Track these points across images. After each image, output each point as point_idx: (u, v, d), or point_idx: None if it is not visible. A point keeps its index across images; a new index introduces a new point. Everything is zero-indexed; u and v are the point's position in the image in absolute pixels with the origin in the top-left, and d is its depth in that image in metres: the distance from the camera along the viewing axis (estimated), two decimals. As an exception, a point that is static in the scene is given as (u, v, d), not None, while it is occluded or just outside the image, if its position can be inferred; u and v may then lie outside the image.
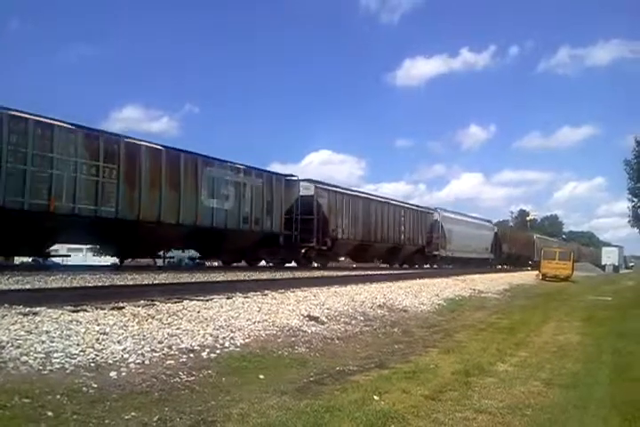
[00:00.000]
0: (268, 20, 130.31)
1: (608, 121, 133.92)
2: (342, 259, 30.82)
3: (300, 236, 21.76)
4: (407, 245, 30.94)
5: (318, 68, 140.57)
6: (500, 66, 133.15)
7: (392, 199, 31.16)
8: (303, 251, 23.16)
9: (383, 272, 23.80)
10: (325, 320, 8.81)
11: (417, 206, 33.88)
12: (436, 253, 33.75)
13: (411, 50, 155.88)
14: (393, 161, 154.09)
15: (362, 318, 9.74)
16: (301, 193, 22.37)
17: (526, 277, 32.74)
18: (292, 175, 22.47)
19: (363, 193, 28.50)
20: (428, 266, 34.08)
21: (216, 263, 23.80)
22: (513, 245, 50.92)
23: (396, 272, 23.98)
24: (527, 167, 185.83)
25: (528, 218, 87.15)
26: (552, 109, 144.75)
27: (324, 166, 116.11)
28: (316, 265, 24.30)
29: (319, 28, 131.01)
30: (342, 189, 26.18)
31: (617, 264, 75.78)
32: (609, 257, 76.45)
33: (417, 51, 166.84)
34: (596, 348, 8.23)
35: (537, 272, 34.56)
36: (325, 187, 24.18)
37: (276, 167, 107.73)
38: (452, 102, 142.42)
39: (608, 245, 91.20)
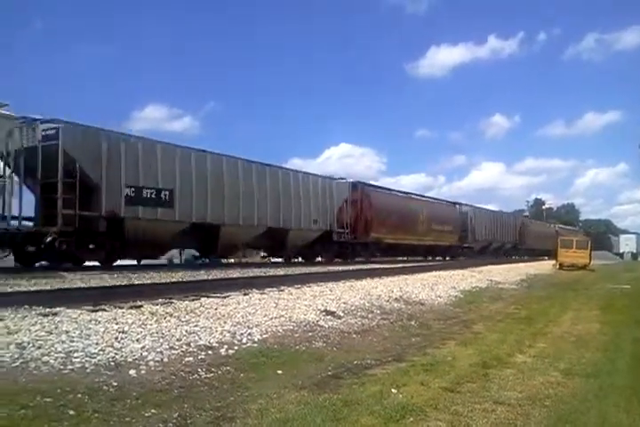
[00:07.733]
0: (289, 10, 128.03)
1: (635, 104, 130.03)
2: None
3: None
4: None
5: (339, 61, 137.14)
6: (526, 53, 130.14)
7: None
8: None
9: (399, 265, 23.79)
10: (342, 315, 8.82)
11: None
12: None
13: (436, 37, 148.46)
14: (413, 152, 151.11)
15: (378, 312, 9.73)
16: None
17: (543, 266, 32.49)
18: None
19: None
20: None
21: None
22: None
23: (411, 265, 23.96)
24: (550, 155, 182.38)
25: (544, 207, 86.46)
26: (577, 95, 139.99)
27: (344, 160, 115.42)
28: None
29: (339, 18, 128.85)
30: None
31: (635, 252, 74.94)
32: (627, 244, 75.61)
33: (442, 38, 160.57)
34: (616, 337, 8.15)
35: (554, 262, 34.27)
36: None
37: (297, 163, 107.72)
38: (477, 91, 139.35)
39: (626, 232, 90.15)
